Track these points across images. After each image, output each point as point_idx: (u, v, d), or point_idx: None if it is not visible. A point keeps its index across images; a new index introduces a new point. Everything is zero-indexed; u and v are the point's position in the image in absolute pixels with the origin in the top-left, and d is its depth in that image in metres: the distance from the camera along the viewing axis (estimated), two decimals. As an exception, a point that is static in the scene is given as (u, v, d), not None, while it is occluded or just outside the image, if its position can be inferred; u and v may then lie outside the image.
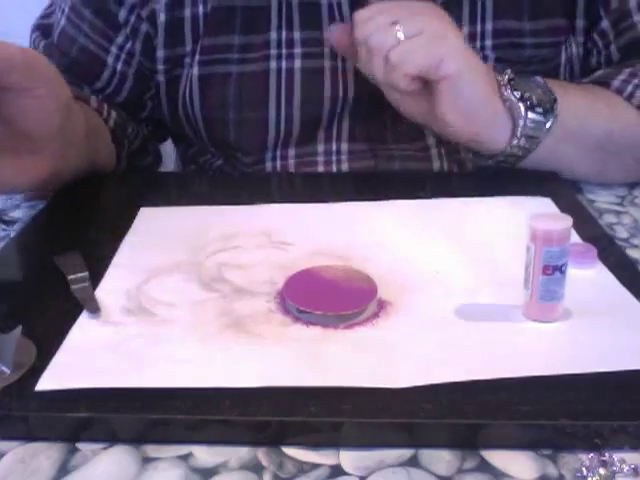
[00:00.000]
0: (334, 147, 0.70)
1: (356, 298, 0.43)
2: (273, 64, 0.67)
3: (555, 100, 0.60)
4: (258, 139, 0.69)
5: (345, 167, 0.70)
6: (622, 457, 0.32)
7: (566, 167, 0.65)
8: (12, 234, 0.56)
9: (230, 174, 0.72)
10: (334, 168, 0.70)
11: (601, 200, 0.62)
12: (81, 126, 0.60)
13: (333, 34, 0.63)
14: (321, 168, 0.70)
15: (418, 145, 0.70)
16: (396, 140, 0.70)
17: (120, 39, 0.69)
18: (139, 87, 0.72)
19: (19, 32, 0.72)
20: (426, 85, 0.59)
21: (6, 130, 0.51)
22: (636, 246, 0.53)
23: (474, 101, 0.59)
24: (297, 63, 0.67)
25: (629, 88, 0.65)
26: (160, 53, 0.69)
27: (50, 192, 0.63)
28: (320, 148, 0.70)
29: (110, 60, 0.70)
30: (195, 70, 0.68)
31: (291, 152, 0.70)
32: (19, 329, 0.38)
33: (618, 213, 0.59)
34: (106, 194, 0.66)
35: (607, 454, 0.32)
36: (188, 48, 0.68)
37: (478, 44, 0.67)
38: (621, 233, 0.55)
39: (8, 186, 0.54)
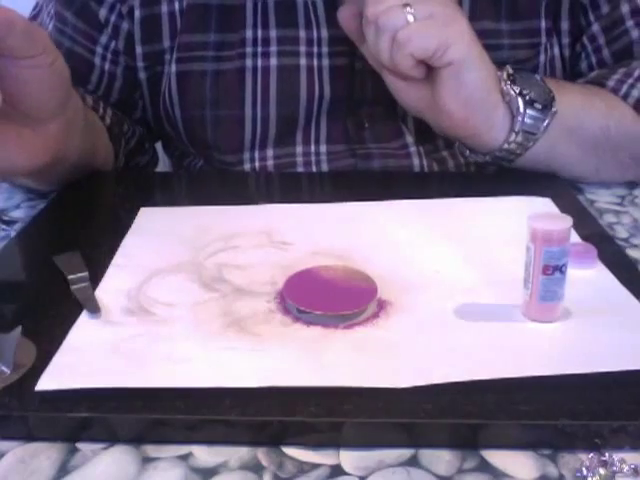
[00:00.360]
0: (312, 149, 0.70)
1: (356, 298, 0.43)
2: (249, 62, 0.67)
3: (553, 98, 0.60)
4: (235, 138, 0.69)
5: (325, 167, 0.70)
6: (622, 457, 0.32)
7: (563, 166, 0.65)
8: (12, 234, 0.56)
9: (233, 173, 0.72)
10: (314, 168, 0.70)
11: (601, 200, 0.62)
12: (80, 114, 0.60)
13: (342, 14, 0.62)
14: (300, 169, 0.70)
15: (397, 143, 0.70)
16: (374, 139, 0.70)
17: (104, 39, 0.70)
18: (129, 86, 0.72)
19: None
20: (428, 77, 0.59)
21: (9, 107, 0.49)
22: (636, 246, 0.53)
23: (476, 91, 0.59)
24: (273, 61, 0.67)
25: (624, 88, 0.65)
26: (138, 49, 0.69)
27: (51, 186, 0.63)
28: (299, 149, 0.70)
29: (97, 61, 0.70)
30: (173, 67, 0.68)
31: (269, 153, 0.70)
32: (19, 329, 0.38)
33: (618, 213, 0.59)
34: (106, 194, 0.66)
35: (607, 454, 0.32)
36: (166, 44, 0.68)
37: None
38: (621, 233, 0.55)
39: (10, 167, 0.53)
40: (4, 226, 0.58)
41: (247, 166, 0.70)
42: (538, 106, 0.59)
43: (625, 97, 0.65)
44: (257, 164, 0.70)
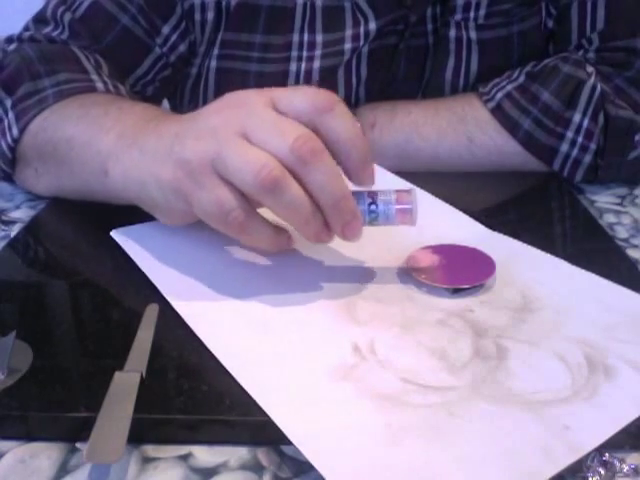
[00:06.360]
0: None
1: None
2: (293, 66, 0.68)
3: None
4: None
5: None
6: (622, 457, 0.32)
7: None
8: (12, 234, 0.56)
9: None
10: None
11: (601, 200, 0.62)
12: None
13: None
14: None
15: None
16: None
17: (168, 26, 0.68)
18: (170, 78, 0.71)
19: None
20: None
21: None
22: (636, 246, 0.53)
23: None
24: (316, 64, 0.67)
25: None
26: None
27: None
28: None
29: (157, 48, 0.68)
30: (213, 63, 0.69)
31: None
32: (13, 333, 0.38)
33: (618, 213, 0.59)
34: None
35: (607, 454, 0.32)
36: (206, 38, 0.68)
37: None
38: (621, 233, 0.55)
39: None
40: (4, 226, 0.58)
41: None
42: None
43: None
44: None
